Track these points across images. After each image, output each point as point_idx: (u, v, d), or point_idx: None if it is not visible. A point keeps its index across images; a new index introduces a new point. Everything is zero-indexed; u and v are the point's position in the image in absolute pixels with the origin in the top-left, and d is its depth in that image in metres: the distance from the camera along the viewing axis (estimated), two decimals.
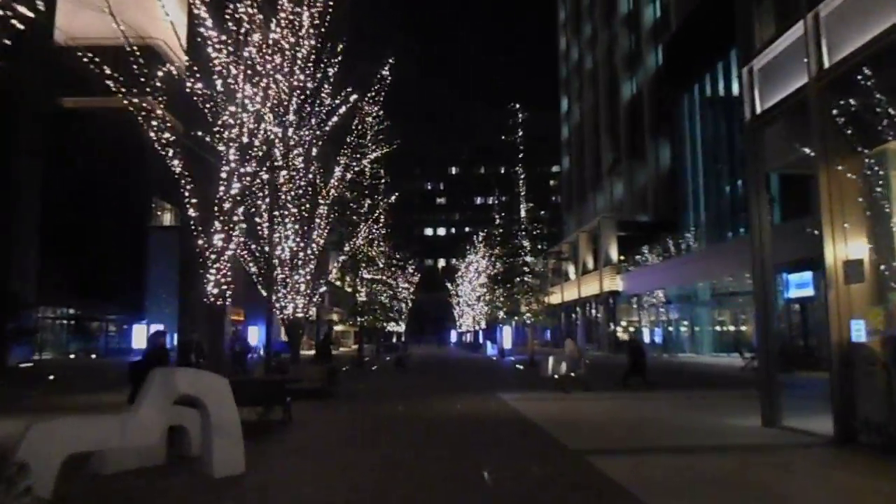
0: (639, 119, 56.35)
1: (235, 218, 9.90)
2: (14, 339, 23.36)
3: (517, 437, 10.26)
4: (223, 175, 9.77)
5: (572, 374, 23.04)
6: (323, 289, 17.58)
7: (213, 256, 9.84)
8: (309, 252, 16.76)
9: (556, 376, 22.96)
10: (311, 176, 16.36)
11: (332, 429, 11.49)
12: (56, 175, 33.65)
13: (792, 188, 30.55)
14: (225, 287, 9.88)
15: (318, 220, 16.88)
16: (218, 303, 9.90)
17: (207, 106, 9.67)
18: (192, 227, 9.94)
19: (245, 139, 9.70)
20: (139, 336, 39.37)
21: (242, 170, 9.75)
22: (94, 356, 39.63)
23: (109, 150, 36.19)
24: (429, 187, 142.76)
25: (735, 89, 36.35)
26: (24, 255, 29.16)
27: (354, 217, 20.94)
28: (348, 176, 17.48)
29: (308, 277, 16.68)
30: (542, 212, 32.60)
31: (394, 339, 59.86)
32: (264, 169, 14.59)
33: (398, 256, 43.70)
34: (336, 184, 17.17)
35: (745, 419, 11.51)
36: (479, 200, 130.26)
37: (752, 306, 36.15)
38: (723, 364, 29.66)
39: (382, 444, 9.54)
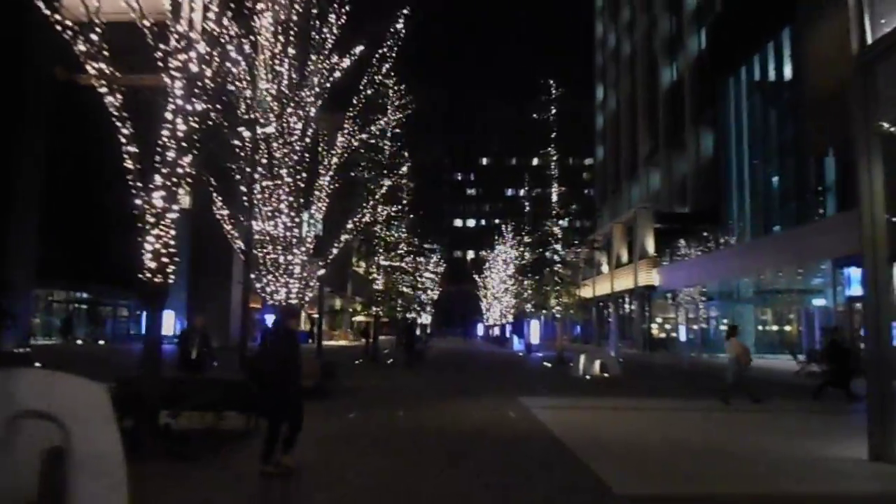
0: (679, 106, 53.39)
1: (182, 170, 7.63)
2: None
3: (539, 469, 7.77)
4: (169, 115, 7.57)
5: (606, 375, 20.64)
6: (322, 271, 15.29)
7: (151, 219, 7.63)
8: (306, 229, 14.55)
9: (588, 377, 20.59)
10: (308, 140, 14.13)
11: (300, 446, 9.27)
12: (63, 151, 32.07)
13: (848, 174, 27.66)
14: (167, 261, 7.67)
15: (317, 193, 14.67)
16: (156, 280, 7.68)
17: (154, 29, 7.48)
18: (130, 182, 7.75)
19: (194, 67, 7.46)
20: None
21: (190, 107, 7.50)
22: (101, 342, 38.19)
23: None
24: (459, 178, 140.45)
25: (787, 71, 33.33)
26: (20, 236, 27.51)
27: (365, 192, 18.56)
28: (355, 143, 15.20)
29: (305, 258, 14.47)
30: (574, 206, 29.94)
31: (417, 332, 57.78)
32: (244, 122, 12.45)
33: (419, 243, 41.43)
34: (340, 151, 14.92)
35: (840, 447, 9.06)
36: (510, 192, 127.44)
37: (799, 304, 33.41)
38: (770, 367, 26.89)
39: (350, 476, 7.27)
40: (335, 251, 15.89)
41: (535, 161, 49.01)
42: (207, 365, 13.10)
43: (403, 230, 32.36)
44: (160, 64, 7.58)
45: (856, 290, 23.51)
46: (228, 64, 10.32)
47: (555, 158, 28.07)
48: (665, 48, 57.15)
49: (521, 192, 65.20)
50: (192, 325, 15.15)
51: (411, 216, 35.45)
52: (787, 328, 38.12)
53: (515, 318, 51.08)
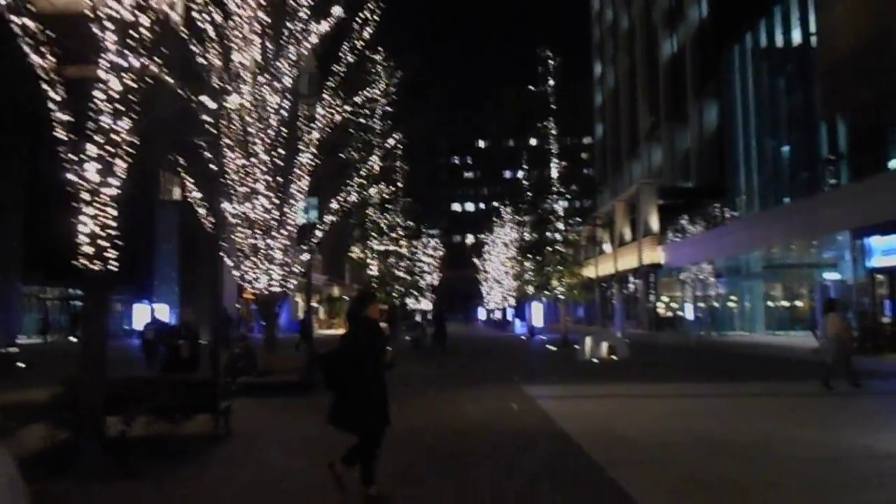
0: (680, 79, 51.92)
1: (119, 138, 6.42)
2: None
3: (549, 480, 6.36)
4: (102, 73, 6.35)
5: (614, 358, 19.51)
6: (306, 256, 14.08)
7: (85, 196, 6.44)
8: (287, 211, 13.34)
9: (595, 360, 19.45)
10: (285, 114, 12.88)
11: (274, 449, 8.11)
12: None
13: (863, 140, 26.40)
14: (106, 244, 6.49)
15: (298, 172, 13.43)
16: (93, 267, 6.50)
17: None
18: (59, 155, 6.54)
19: (127, 14, 6.22)
20: (141, 317, 36.62)
21: (125, 63, 6.29)
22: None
23: None
24: (456, 161, 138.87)
25: (796, 36, 31.93)
26: (4, 231, 26.37)
27: (352, 171, 17.21)
28: (338, 117, 13.90)
29: (287, 243, 13.27)
30: (574, 186, 28.52)
31: (417, 318, 56.62)
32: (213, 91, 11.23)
33: (414, 225, 40.12)
34: (322, 125, 13.64)
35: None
36: (508, 174, 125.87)
37: (810, 279, 32.18)
38: (784, 344, 25.80)
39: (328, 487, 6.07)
40: (319, 234, 14.65)
41: (534, 142, 47.76)
42: (196, 365, 11.92)
43: (398, 214, 31.19)
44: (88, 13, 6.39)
45: (879, 260, 22.28)
46: (174, 14, 9.05)
47: (553, 133, 26.74)
48: (665, 20, 55.62)
49: (520, 174, 63.93)
50: (183, 319, 14.05)
51: (407, 200, 34.28)
52: (799, 304, 36.98)
53: (517, 301, 49.96)
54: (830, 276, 30.90)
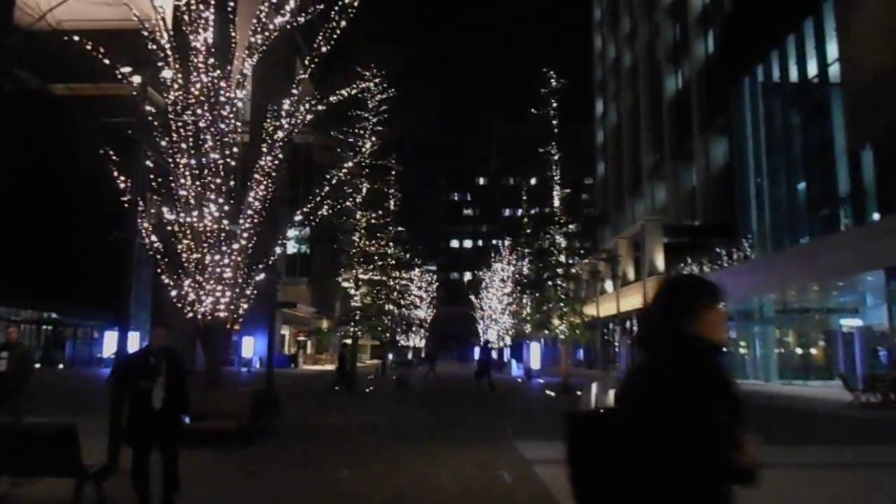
0: (685, 115, 50.51)
1: None
2: None
3: None
4: None
5: None
6: (260, 276, 11.76)
7: None
8: (241, 221, 11.17)
9: (601, 411, 17.03)
10: (241, 106, 10.82)
11: None
12: (23, 164, 29.02)
13: (891, 174, 24.43)
14: None
15: (257, 177, 11.30)
16: None
17: None
18: None
19: None
20: (112, 344, 34.18)
21: None
22: (60, 366, 34.62)
23: (91, 138, 31.48)
24: (455, 198, 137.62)
25: (811, 66, 30.25)
26: None
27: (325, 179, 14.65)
28: (307, 116, 11.80)
29: (238, 258, 11.06)
30: (574, 225, 26.11)
31: (409, 355, 53.95)
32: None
33: (406, 256, 37.73)
34: (287, 126, 11.57)
35: None
36: (507, 212, 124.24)
37: (827, 324, 29.91)
38: (809, 395, 23.38)
39: None
40: (278, 250, 12.38)
41: (534, 181, 45.92)
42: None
43: (389, 243, 29.01)
44: None
45: None
46: None
47: (556, 159, 24.71)
48: (669, 56, 54.47)
49: (520, 212, 61.68)
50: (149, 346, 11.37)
51: (400, 230, 32.15)
52: (813, 351, 34.65)
53: (514, 340, 47.44)
54: (850, 322, 28.67)
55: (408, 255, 39.32)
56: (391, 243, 27.21)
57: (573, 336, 25.45)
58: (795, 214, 31.88)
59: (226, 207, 10.79)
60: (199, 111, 10.51)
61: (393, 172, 29.86)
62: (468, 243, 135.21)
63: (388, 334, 33.54)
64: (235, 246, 11.02)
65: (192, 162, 10.56)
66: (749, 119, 36.35)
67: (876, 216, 24.37)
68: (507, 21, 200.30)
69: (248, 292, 11.40)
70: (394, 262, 26.96)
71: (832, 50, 28.53)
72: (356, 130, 22.54)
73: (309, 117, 11.80)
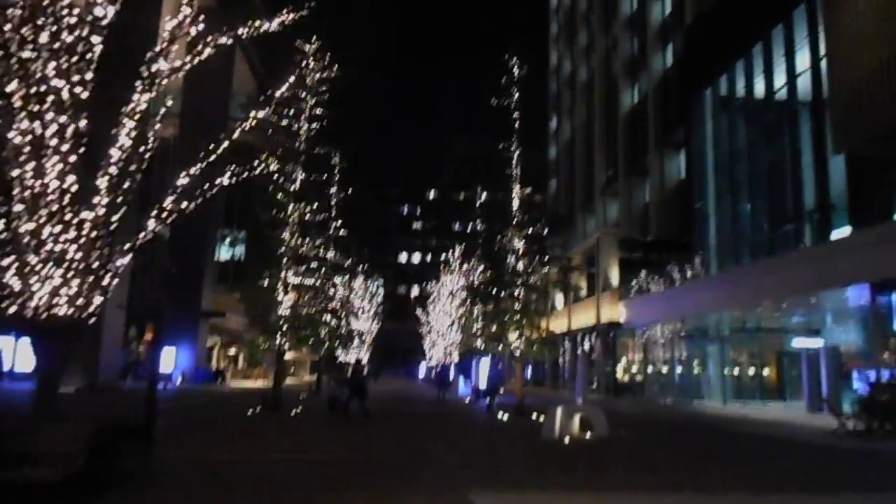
0: (640, 131, 49.54)
1: None
2: None
3: None
4: None
5: (588, 436, 14.92)
6: (126, 259, 8.81)
7: None
8: (98, 182, 8.38)
9: (565, 439, 14.73)
10: (103, 13, 8.15)
11: None
12: None
13: (865, 186, 23.23)
14: None
15: (124, 113, 8.55)
16: None
17: None
18: None
19: None
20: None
21: None
22: None
23: None
24: (405, 211, 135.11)
25: (778, 78, 29.11)
26: None
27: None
28: (208, 48, 9.16)
29: (94, 234, 8.27)
30: (535, 226, 23.78)
31: (348, 373, 50.85)
32: None
33: (347, 261, 34.88)
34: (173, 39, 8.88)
35: None
36: (458, 226, 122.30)
37: (787, 343, 28.52)
38: (782, 420, 21.64)
39: None
40: (151, 224, 9.32)
41: (485, 195, 43.87)
42: None
43: (328, 245, 26.37)
44: None
45: None
46: None
47: (517, 153, 22.59)
48: (626, 70, 53.63)
49: (470, 226, 59.36)
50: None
51: (340, 233, 29.55)
52: (765, 372, 33.39)
53: (461, 356, 44.99)
54: (810, 342, 27.08)
55: (350, 260, 36.61)
56: (331, 244, 24.64)
57: (529, 352, 23.25)
58: (755, 230, 30.64)
59: (72, 157, 8.05)
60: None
61: (336, 169, 27.38)
62: (416, 257, 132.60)
63: (324, 348, 30.70)
64: (88, 215, 8.27)
65: (24, 87, 7.79)
66: (709, 132, 35.21)
67: (843, 231, 23.08)
68: (461, 36, 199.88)
69: (106, 281, 8.59)
70: (332, 266, 24.35)
71: (801, 61, 27.47)
72: (289, 111, 20.01)
73: (210, 50, 9.18)
